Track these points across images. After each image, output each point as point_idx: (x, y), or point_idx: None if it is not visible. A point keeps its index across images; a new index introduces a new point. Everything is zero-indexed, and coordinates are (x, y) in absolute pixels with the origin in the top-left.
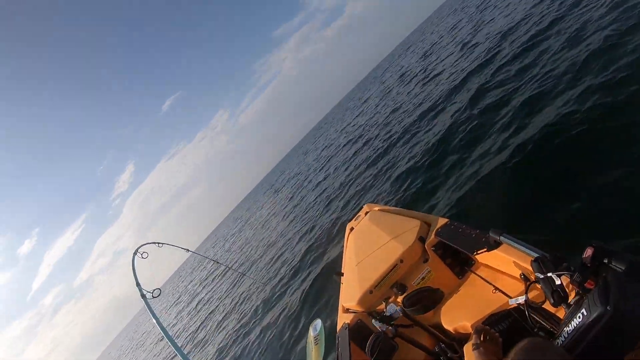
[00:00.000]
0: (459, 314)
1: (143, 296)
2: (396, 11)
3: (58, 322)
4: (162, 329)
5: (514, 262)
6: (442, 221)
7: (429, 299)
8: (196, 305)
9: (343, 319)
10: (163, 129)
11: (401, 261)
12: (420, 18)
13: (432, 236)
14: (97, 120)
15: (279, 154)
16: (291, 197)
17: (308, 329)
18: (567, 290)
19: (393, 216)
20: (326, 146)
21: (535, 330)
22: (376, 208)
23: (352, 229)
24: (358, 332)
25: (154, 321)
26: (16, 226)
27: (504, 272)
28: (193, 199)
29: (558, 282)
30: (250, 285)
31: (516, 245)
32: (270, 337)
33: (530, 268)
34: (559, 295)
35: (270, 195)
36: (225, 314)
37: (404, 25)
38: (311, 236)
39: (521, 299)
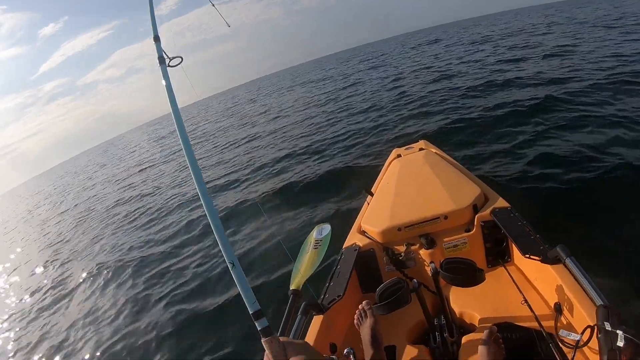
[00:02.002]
0: (472, 301)
1: (161, 59)
2: None
3: (50, 110)
4: (177, 116)
5: (560, 289)
6: (503, 203)
7: (470, 275)
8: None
9: (355, 239)
10: None
11: (445, 217)
12: None
13: (488, 211)
14: None
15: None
16: (332, 98)
17: (313, 228)
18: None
19: (452, 168)
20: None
21: None
22: (433, 150)
23: (399, 155)
24: (365, 260)
25: (168, 97)
26: (48, 7)
27: (539, 289)
28: (224, 52)
29: (620, 343)
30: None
31: (579, 276)
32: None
33: (577, 305)
34: (614, 356)
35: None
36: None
37: None
38: (349, 137)
39: (574, 337)
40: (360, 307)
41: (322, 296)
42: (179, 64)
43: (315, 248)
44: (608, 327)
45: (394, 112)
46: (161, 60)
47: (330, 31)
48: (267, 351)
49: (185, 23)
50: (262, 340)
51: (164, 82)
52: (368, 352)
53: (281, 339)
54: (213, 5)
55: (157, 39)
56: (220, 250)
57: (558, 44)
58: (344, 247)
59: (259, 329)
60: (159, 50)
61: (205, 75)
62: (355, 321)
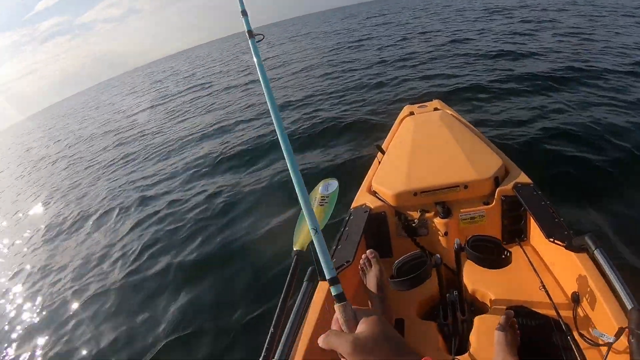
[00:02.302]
0: (486, 279)
1: (250, 33)
2: None
3: (46, 50)
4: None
5: (584, 279)
6: (525, 178)
7: (496, 258)
8: None
9: (365, 199)
10: None
11: (465, 187)
12: None
13: (510, 185)
14: None
15: None
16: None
17: (318, 183)
18: None
19: (471, 134)
20: None
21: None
22: (449, 111)
23: (412, 113)
24: (375, 224)
25: (259, 73)
26: None
27: (556, 275)
28: None
29: None
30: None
31: (608, 271)
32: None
33: (600, 300)
34: None
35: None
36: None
37: None
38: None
39: (608, 338)
40: (363, 256)
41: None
42: (260, 40)
43: (321, 205)
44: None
45: (403, 69)
46: (250, 34)
47: None
48: (339, 316)
49: None
50: (335, 305)
51: (254, 59)
52: (373, 298)
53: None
54: None
55: (244, 13)
56: None
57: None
58: (352, 207)
59: (333, 294)
60: (247, 24)
61: (210, 20)
62: (359, 268)
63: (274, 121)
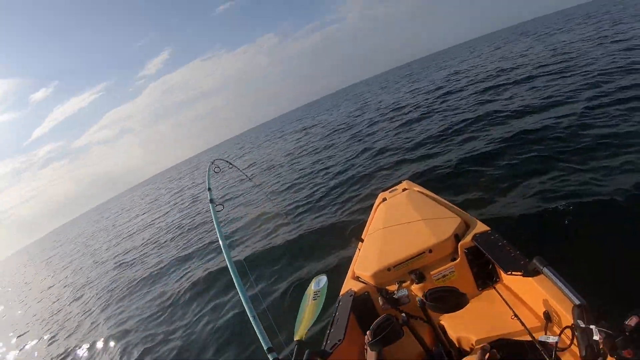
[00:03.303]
0: (467, 325)
1: (212, 202)
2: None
3: (45, 175)
4: (221, 236)
5: (545, 298)
6: (482, 227)
7: (454, 301)
8: None
9: (350, 285)
10: (210, 30)
11: (430, 251)
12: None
13: (469, 238)
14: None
15: (308, 97)
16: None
17: (310, 280)
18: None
19: (433, 203)
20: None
21: None
22: (416, 188)
23: (384, 199)
24: (361, 303)
25: (217, 228)
26: (38, 73)
27: (527, 303)
28: (210, 108)
29: (596, 337)
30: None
31: (557, 282)
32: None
33: (560, 309)
34: (592, 351)
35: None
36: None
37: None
38: (336, 189)
39: (552, 339)
40: (365, 337)
41: (325, 342)
42: (221, 210)
43: (314, 299)
44: (582, 324)
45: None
46: (212, 202)
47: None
48: None
49: (175, 80)
50: None
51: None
52: None
53: None
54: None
55: (209, 188)
56: None
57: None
58: (340, 294)
59: None
60: (211, 195)
61: (200, 129)
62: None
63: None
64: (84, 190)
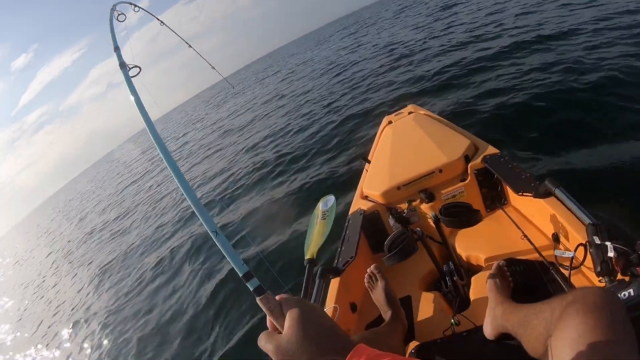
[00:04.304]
0: (476, 244)
1: (122, 66)
2: None
3: (38, 140)
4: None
5: (556, 219)
6: (492, 150)
7: (467, 216)
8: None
9: (359, 204)
10: None
11: (440, 171)
12: None
13: (479, 159)
14: None
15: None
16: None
17: (318, 200)
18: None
19: (441, 125)
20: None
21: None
22: (422, 112)
23: (390, 122)
24: (371, 222)
25: (133, 99)
26: (15, 38)
27: (537, 224)
28: (202, 50)
29: (611, 254)
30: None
31: (569, 203)
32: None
33: (572, 230)
34: (606, 267)
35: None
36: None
37: None
38: (338, 112)
39: (568, 254)
40: (368, 271)
41: (336, 260)
42: (137, 74)
43: (323, 219)
44: (597, 241)
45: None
46: (122, 66)
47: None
48: (264, 309)
49: (157, 27)
50: (257, 299)
51: (131, 97)
52: (385, 311)
53: (277, 297)
54: (162, 23)
55: (116, 49)
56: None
57: None
58: (349, 213)
59: (251, 289)
60: (119, 57)
61: (188, 75)
62: (366, 284)
63: (157, 147)
64: (81, 150)
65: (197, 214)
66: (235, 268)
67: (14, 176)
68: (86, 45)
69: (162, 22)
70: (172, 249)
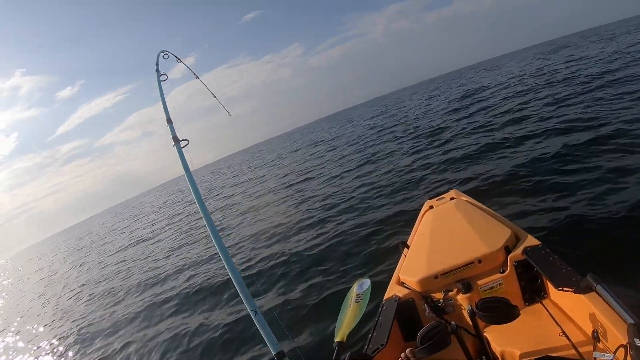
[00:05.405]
0: (512, 339)
1: (175, 140)
2: (500, 28)
3: (67, 171)
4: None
5: (596, 316)
6: (533, 241)
7: (505, 312)
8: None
9: (394, 290)
10: (235, 38)
11: (479, 261)
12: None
13: (519, 251)
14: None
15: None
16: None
17: (353, 283)
18: None
19: (482, 213)
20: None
21: None
22: (464, 198)
23: (431, 207)
24: (405, 309)
25: (185, 173)
26: (66, 71)
27: (576, 320)
28: (235, 115)
29: None
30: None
31: (611, 300)
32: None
33: (612, 329)
34: None
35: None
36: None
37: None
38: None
39: (608, 356)
40: (403, 355)
41: (366, 346)
42: (185, 146)
43: (357, 302)
44: (638, 343)
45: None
46: (175, 140)
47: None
48: None
49: (197, 85)
50: None
51: (182, 168)
52: None
53: None
54: (214, 96)
55: (169, 121)
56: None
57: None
58: (384, 299)
59: None
60: (172, 131)
61: (219, 137)
62: None
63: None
64: (105, 188)
65: (239, 292)
66: (269, 346)
67: (38, 200)
68: (129, 91)
69: (196, 76)
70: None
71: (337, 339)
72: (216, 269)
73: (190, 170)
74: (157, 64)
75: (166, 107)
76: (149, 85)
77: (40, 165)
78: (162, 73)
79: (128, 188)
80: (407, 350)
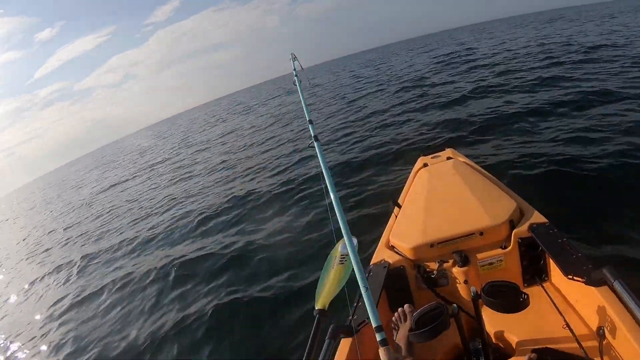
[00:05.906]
0: (509, 321)
1: (316, 139)
2: None
3: (46, 115)
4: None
5: (605, 311)
6: (540, 217)
7: (513, 300)
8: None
9: (383, 255)
10: None
11: (481, 233)
12: None
13: (525, 227)
14: None
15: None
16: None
17: (337, 242)
18: None
19: (484, 179)
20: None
21: None
22: (461, 159)
23: (425, 164)
24: (395, 278)
25: (324, 171)
26: (45, 12)
27: (580, 312)
28: (220, 61)
29: None
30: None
31: (628, 300)
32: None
33: (624, 329)
34: None
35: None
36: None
37: None
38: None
39: None
40: (400, 310)
41: (351, 317)
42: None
43: (341, 263)
44: None
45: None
46: (315, 139)
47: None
48: (382, 357)
49: (182, 29)
50: (380, 349)
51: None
52: (403, 356)
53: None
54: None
55: (310, 122)
56: None
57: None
58: (371, 263)
59: (378, 339)
60: (312, 130)
61: (209, 79)
62: (392, 321)
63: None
64: (87, 132)
65: (355, 269)
66: (372, 320)
67: (15, 146)
68: (111, 32)
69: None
70: None
71: (317, 306)
72: None
73: None
74: (294, 69)
75: (307, 109)
76: (131, 27)
77: (19, 109)
78: (295, 74)
79: (111, 132)
80: (406, 306)
